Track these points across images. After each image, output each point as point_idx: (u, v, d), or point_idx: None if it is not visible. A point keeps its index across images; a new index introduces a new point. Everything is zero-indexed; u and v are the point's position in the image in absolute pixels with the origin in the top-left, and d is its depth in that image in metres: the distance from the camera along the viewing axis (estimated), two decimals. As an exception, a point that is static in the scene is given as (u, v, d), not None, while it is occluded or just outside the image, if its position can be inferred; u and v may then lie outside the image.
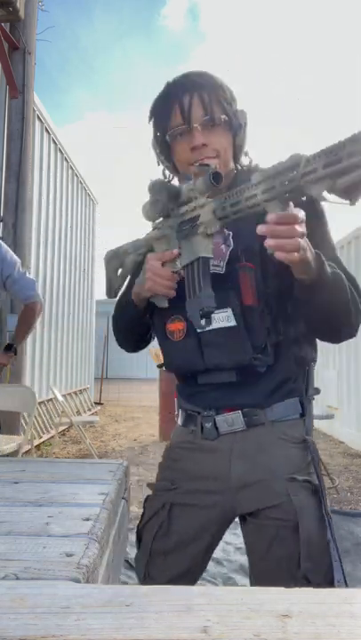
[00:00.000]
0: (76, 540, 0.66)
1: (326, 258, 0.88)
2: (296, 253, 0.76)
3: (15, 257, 2.04)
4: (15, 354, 2.06)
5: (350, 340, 1.03)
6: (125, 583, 1.62)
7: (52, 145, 5.80)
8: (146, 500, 1.07)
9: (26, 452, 4.13)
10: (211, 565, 2.42)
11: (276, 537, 0.95)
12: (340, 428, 5.66)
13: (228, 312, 0.95)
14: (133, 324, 1.12)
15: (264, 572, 0.98)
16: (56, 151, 5.95)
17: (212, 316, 0.93)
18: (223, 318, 0.96)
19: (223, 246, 0.99)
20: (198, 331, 0.97)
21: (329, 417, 3.85)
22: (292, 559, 0.92)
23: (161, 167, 1.10)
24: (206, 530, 1.03)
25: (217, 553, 1.32)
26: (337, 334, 1.01)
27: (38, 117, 5.12)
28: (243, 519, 1.02)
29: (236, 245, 0.98)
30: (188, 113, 0.97)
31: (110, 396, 10.01)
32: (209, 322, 0.88)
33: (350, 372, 5.51)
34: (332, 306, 0.91)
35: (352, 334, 0.98)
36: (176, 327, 1.02)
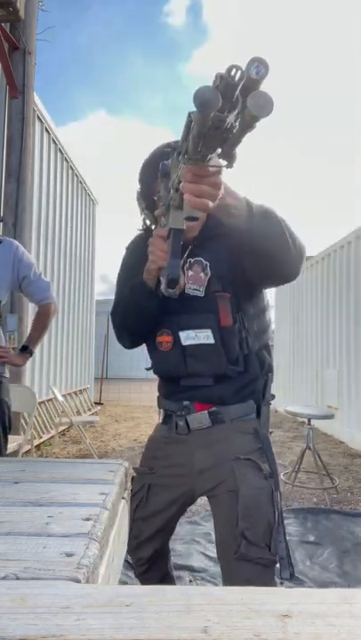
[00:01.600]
0: (76, 540, 0.65)
1: None
2: (210, 203, 0.79)
3: (32, 259, 2.06)
4: (31, 355, 2.06)
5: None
6: (125, 583, 1.62)
7: (52, 145, 5.80)
8: (132, 479, 1.30)
9: (26, 451, 4.13)
10: (210, 565, 2.43)
11: (225, 504, 1.17)
12: (341, 428, 5.66)
13: (209, 332, 1.18)
14: (140, 305, 1.23)
15: (218, 534, 1.20)
16: (56, 151, 5.95)
17: (195, 333, 1.18)
18: (204, 337, 1.18)
19: (202, 274, 1.20)
20: (183, 344, 1.20)
21: (329, 417, 3.85)
22: (234, 520, 1.13)
23: (142, 217, 1.28)
24: (174, 503, 1.31)
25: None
26: (282, 267, 1.09)
27: (38, 117, 5.12)
28: (208, 499, 1.27)
29: (213, 275, 1.19)
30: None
31: (110, 396, 10.01)
32: (173, 288, 0.94)
33: (351, 372, 5.50)
34: (271, 238, 1.01)
35: (296, 266, 1.09)
36: (164, 339, 1.23)
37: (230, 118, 0.63)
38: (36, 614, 0.46)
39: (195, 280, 1.19)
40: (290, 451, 5.11)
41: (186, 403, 1.26)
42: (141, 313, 1.24)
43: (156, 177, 1.12)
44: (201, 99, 0.59)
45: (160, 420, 1.37)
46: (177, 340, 1.21)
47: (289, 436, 5.97)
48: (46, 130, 5.51)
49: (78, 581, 0.55)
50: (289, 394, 8.15)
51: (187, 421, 1.25)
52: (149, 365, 1.33)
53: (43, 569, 0.57)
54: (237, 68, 0.59)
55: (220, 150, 0.70)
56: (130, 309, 1.26)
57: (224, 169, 0.76)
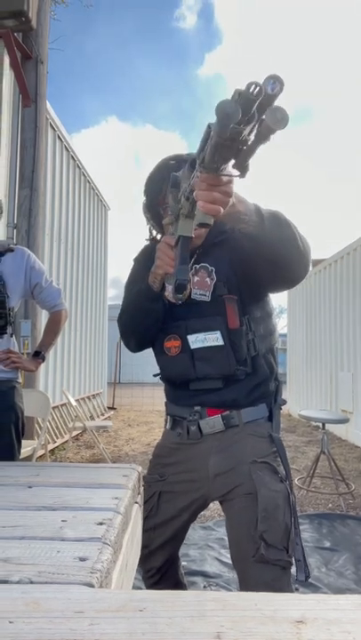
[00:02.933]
0: (89, 544, 0.66)
1: None
2: (221, 208, 0.82)
3: (43, 266, 2.10)
4: (43, 360, 2.10)
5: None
6: (139, 588, 1.62)
7: (65, 152, 5.86)
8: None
9: (40, 456, 4.16)
10: (225, 571, 2.41)
11: (242, 507, 1.16)
12: (356, 433, 5.60)
13: (218, 334, 1.20)
14: (146, 309, 1.26)
15: (234, 537, 1.20)
16: (68, 158, 6.01)
17: (205, 336, 1.20)
18: (214, 339, 1.20)
19: (208, 279, 1.23)
20: (192, 348, 1.22)
21: (343, 421, 3.81)
22: (252, 523, 1.13)
23: (148, 227, 1.34)
24: (185, 510, 1.30)
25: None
26: (295, 269, 1.10)
27: (51, 125, 5.18)
28: (221, 504, 1.26)
29: (219, 279, 1.22)
30: (164, 200, 1.19)
31: (123, 401, 10.03)
32: (181, 293, 0.96)
33: (365, 376, 5.45)
34: (284, 241, 1.04)
35: (305, 267, 1.11)
36: (172, 344, 1.26)
37: (246, 131, 0.67)
38: (49, 618, 0.46)
39: (201, 285, 1.22)
40: (304, 455, 5.06)
41: (197, 408, 1.26)
42: (147, 315, 1.27)
43: (161, 189, 1.20)
44: (223, 111, 0.63)
45: (168, 427, 1.36)
46: (185, 344, 1.23)
47: (303, 441, 5.92)
48: (59, 137, 5.57)
49: (92, 586, 0.55)
50: (303, 398, 8.08)
51: (199, 426, 1.25)
52: (157, 372, 1.35)
53: (56, 573, 0.57)
54: (256, 84, 0.63)
55: (233, 161, 0.74)
56: (136, 312, 1.30)
57: (236, 178, 0.80)
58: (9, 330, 1.92)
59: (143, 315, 1.28)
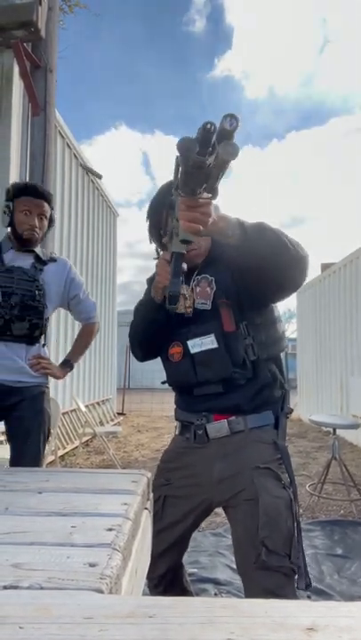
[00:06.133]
0: (99, 550, 0.65)
1: None
2: (201, 227, 0.93)
3: (82, 278, 2.16)
4: (71, 369, 2.13)
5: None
6: (149, 594, 1.61)
7: (74, 160, 5.91)
8: None
9: (50, 462, 4.17)
10: (236, 578, 2.39)
11: (244, 513, 1.18)
12: (367, 438, 5.54)
13: (212, 337, 1.24)
14: (150, 319, 1.34)
15: (237, 543, 1.21)
16: (77, 165, 6.06)
17: (201, 340, 1.25)
18: (209, 342, 1.25)
19: (208, 289, 1.28)
20: (192, 353, 1.27)
21: (354, 426, 3.77)
22: (254, 529, 1.13)
23: (155, 247, 1.41)
24: (190, 514, 1.31)
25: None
26: (286, 268, 1.12)
27: (60, 133, 5.23)
28: (225, 509, 1.28)
29: (218, 288, 1.27)
30: (165, 222, 1.26)
31: (133, 407, 10.03)
32: (174, 304, 1.04)
33: (376, 381, 5.39)
34: (268, 244, 1.08)
35: (299, 265, 1.12)
36: (175, 351, 1.31)
37: (210, 160, 0.80)
38: (59, 624, 0.46)
39: (202, 295, 1.28)
40: (315, 461, 5.02)
41: (204, 413, 1.28)
42: (151, 324, 1.35)
43: (161, 212, 1.29)
44: (182, 146, 0.79)
45: (177, 432, 1.40)
46: (186, 349, 1.29)
47: (314, 447, 5.87)
48: (68, 145, 5.63)
49: (101, 592, 0.55)
50: (313, 403, 8.03)
51: (206, 430, 1.27)
52: (165, 379, 1.40)
53: (66, 579, 0.57)
54: (211, 123, 0.77)
55: (204, 185, 0.87)
56: (141, 322, 1.38)
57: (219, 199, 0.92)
58: (42, 340, 1.96)
59: (147, 324, 1.37)
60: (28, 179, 4.08)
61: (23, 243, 1.94)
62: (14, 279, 1.87)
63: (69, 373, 2.19)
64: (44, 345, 1.99)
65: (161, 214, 1.29)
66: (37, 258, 1.98)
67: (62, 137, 5.41)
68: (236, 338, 1.23)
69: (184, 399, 1.37)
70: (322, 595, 2.24)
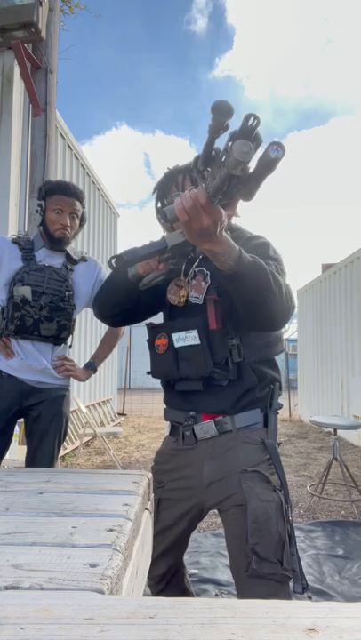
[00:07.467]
0: (99, 550, 0.65)
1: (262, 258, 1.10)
2: (187, 217, 0.92)
3: None
4: (95, 372, 2.13)
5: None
6: (150, 595, 1.61)
7: (75, 160, 5.91)
8: None
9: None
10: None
11: (234, 519, 1.15)
12: (368, 439, 5.54)
13: (195, 333, 1.22)
14: (123, 288, 1.29)
15: (230, 550, 1.19)
16: (78, 166, 6.06)
17: (185, 334, 1.23)
18: (192, 338, 1.22)
19: (203, 283, 1.26)
20: (175, 346, 1.25)
21: (355, 427, 3.77)
22: (243, 535, 1.10)
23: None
24: (184, 518, 1.30)
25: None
26: (268, 317, 1.11)
27: (60, 134, 5.24)
28: (219, 513, 1.25)
29: (212, 283, 1.24)
30: (182, 185, 1.28)
31: (133, 407, 10.03)
32: (116, 265, 1.05)
33: (377, 381, 5.39)
34: (255, 291, 1.05)
35: (283, 317, 1.12)
36: (161, 342, 1.29)
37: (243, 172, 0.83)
38: (60, 625, 0.46)
39: (196, 288, 1.27)
40: (316, 462, 5.02)
41: (192, 413, 1.27)
42: (122, 283, 1.28)
43: (169, 189, 1.28)
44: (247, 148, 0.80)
45: (168, 432, 1.39)
46: (171, 342, 1.27)
47: (314, 447, 5.87)
48: (68, 146, 5.63)
49: (102, 592, 0.55)
50: (314, 403, 8.02)
51: (193, 431, 1.26)
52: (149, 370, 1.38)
53: (67, 579, 0.57)
54: (279, 146, 0.84)
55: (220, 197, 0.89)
56: (108, 286, 1.35)
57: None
58: (69, 340, 1.95)
59: (118, 283, 1.31)
60: (28, 179, 4.08)
61: (54, 242, 1.90)
62: (45, 278, 1.85)
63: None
64: (70, 346, 1.98)
65: (166, 186, 1.29)
66: (68, 257, 1.96)
67: (63, 137, 5.41)
68: (220, 336, 1.21)
69: (170, 396, 1.35)
70: (323, 595, 2.24)
